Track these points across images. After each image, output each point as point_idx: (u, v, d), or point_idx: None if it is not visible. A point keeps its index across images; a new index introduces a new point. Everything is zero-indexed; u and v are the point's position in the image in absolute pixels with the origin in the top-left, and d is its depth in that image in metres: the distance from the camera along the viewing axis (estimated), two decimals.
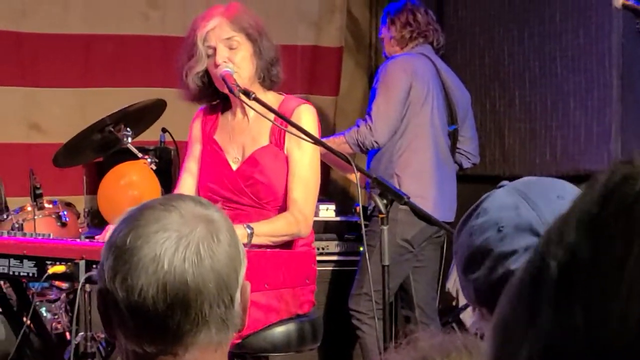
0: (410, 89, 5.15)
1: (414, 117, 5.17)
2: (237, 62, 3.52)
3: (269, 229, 3.39)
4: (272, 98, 3.60)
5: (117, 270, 1.66)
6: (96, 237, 3.45)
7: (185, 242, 1.65)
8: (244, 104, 3.52)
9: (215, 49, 3.51)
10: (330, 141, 5.08)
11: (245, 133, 3.60)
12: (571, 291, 0.74)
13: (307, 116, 3.54)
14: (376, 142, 5.10)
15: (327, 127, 6.29)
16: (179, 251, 1.64)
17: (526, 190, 1.61)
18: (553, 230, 0.80)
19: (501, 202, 1.62)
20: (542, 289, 0.76)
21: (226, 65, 3.49)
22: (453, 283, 5.95)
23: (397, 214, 4.89)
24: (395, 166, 5.15)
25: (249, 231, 3.30)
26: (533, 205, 1.58)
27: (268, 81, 3.60)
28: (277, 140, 3.54)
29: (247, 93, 3.43)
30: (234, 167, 3.58)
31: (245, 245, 3.23)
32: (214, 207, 1.74)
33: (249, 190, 3.53)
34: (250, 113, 3.55)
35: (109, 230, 3.39)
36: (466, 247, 1.61)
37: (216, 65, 3.50)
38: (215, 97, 3.67)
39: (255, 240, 3.33)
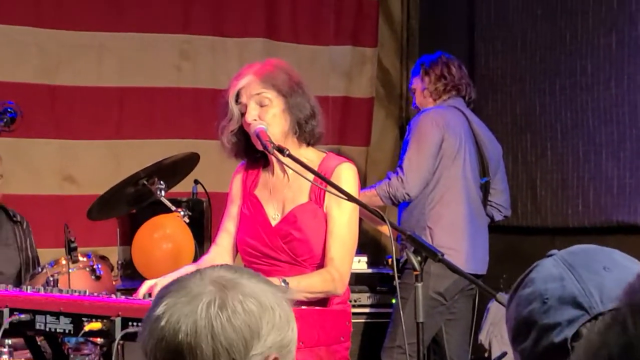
0: (442, 142, 5.16)
1: (446, 170, 5.18)
2: (268, 120, 3.51)
3: (305, 285, 3.38)
4: (312, 155, 3.60)
5: (144, 329, 1.77)
6: (133, 295, 3.45)
7: (187, 301, 1.70)
8: (283, 162, 3.53)
9: (246, 107, 3.53)
10: (361, 194, 5.09)
11: (285, 189, 3.59)
12: None
13: (347, 175, 3.54)
14: (407, 195, 5.10)
15: (359, 177, 6.29)
16: (178, 308, 1.69)
17: (572, 261, 1.61)
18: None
19: (547, 272, 1.61)
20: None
21: (259, 123, 3.50)
22: (485, 335, 5.92)
23: (430, 267, 4.87)
24: (428, 219, 5.15)
25: (284, 285, 3.29)
26: (578, 277, 1.57)
27: (305, 136, 3.59)
28: (317, 197, 3.53)
29: (281, 150, 3.43)
30: (273, 223, 3.58)
31: None
32: (249, 275, 1.76)
33: (286, 247, 3.52)
34: (289, 169, 3.54)
35: (145, 284, 3.41)
36: (514, 317, 1.61)
37: (247, 124, 3.52)
38: (255, 153, 3.66)
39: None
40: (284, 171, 3.59)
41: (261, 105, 3.53)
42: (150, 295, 3.31)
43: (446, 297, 5.14)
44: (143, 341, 1.73)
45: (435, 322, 5.18)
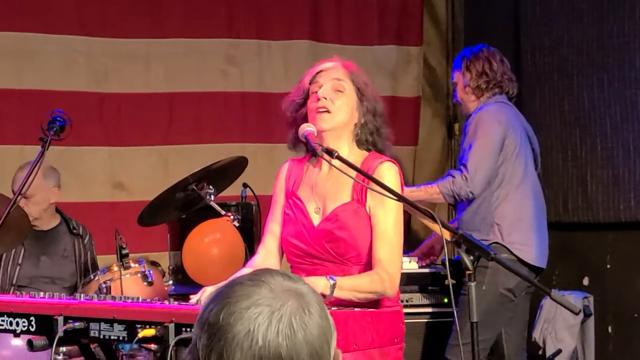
0: (504, 139, 5.10)
1: (510, 166, 5.12)
2: (337, 104, 3.53)
3: (353, 284, 3.37)
4: (356, 154, 3.60)
5: (212, 347, 1.67)
6: (191, 296, 3.47)
7: (277, 316, 1.66)
8: (329, 163, 3.53)
9: (321, 86, 3.54)
10: (423, 190, 5.08)
11: (328, 189, 3.59)
12: None
13: (389, 173, 3.52)
14: (472, 193, 5.05)
15: (407, 177, 6.29)
16: (272, 325, 1.65)
17: None
18: None
19: None
20: None
21: (308, 126, 3.50)
22: (539, 333, 5.88)
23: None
24: (495, 216, 5.10)
25: (331, 282, 3.29)
26: None
27: (367, 144, 3.60)
28: (359, 196, 3.53)
29: (329, 152, 3.43)
30: (316, 222, 3.58)
31: (326, 297, 3.25)
32: (302, 281, 1.75)
33: (329, 245, 3.52)
34: (334, 168, 3.55)
35: (205, 291, 3.42)
36: None
37: (317, 99, 3.51)
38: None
39: (338, 294, 3.31)
40: (330, 169, 3.59)
41: (336, 90, 3.53)
42: None
43: (515, 294, 5.09)
44: (223, 356, 1.66)
45: (502, 319, 5.14)
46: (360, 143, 3.61)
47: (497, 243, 5.05)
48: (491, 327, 5.04)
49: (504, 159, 5.12)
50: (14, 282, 5.40)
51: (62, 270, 5.54)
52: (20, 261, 5.44)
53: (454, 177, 5.08)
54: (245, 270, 3.45)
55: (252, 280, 1.72)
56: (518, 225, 5.10)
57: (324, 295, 3.26)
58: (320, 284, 3.28)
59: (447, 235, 3.36)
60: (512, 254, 5.03)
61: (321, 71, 3.57)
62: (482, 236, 5.04)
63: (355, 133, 3.59)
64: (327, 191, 3.59)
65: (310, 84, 3.59)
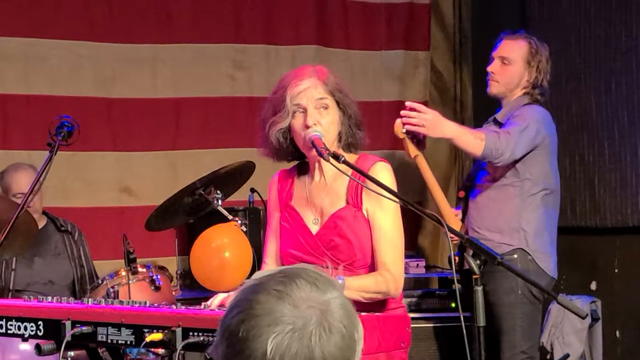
0: (542, 141, 4.98)
1: (545, 172, 5.03)
2: (325, 126, 3.50)
3: (361, 284, 3.38)
4: (346, 157, 3.60)
5: (229, 357, 1.67)
6: (203, 303, 3.47)
7: (297, 337, 1.64)
8: (322, 168, 3.53)
9: (305, 109, 3.50)
10: (467, 132, 4.90)
11: (322, 196, 3.59)
12: None
13: (384, 173, 3.51)
14: (513, 158, 4.86)
15: (414, 183, 6.27)
16: (291, 347, 1.63)
17: None
18: None
19: None
20: None
21: (314, 130, 3.49)
22: (547, 337, 5.87)
23: (529, 265, 4.90)
24: (522, 221, 5.00)
25: (340, 281, 3.29)
26: None
27: (350, 146, 3.59)
28: (354, 200, 3.52)
29: (336, 156, 3.42)
30: (314, 231, 3.58)
31: None
32: (332, 287, 1.73)
33: (330, 253, 3.51)
34: (328, 175, 3.55)
35: (217, 298, 3.42)
36: None
37: (306, 127, 3.49)
38: (292, 158, 3.66)
39: (346, 294, 3.31)
40: (323, 177, 3.59)
41: (320, 108, 3.52)
42: (223, 306, 3.32)
43: (540, 299, 5.05)
44: None
45: (539, 322, 5.13)
46: (344, 148, 3.60)
47: (522, 249, 4.98)
48: (535, 330, 5.05)
49: (541, 160, 5.02)
50: (10, 287, 5.38)
51: (57, 269, 5.52)
52: (14, 266, 5.42)
53: (499, 134, 4.85)
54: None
55: (278, 292, 1.68)
56: (542, 234, 5.01)
57: None
58: None
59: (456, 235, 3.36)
60: (535, 262, 4.98)
61: (301, 92, 3.53)
62: (505, 239, 4.98)
63: (338, 140, 3.58)
64: (322, 200, 3.58)
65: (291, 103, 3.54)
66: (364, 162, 3.55)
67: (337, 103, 3.54)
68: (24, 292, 5.21)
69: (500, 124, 5.05)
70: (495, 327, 4.92)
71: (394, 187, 3.50)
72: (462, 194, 5.15)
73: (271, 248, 3.72)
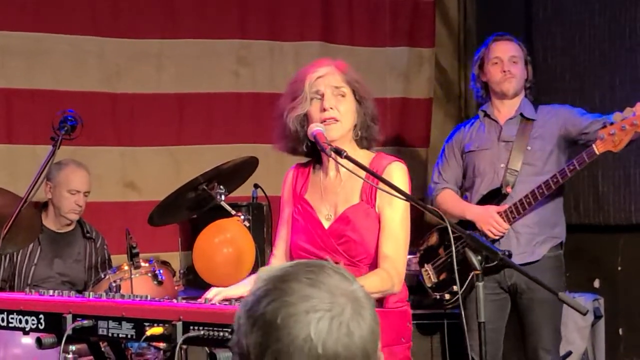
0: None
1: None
2: (342, 112, 3.53)
3: (364, 284, 3.37)
4: (363, 155, 3.59)
5: (267, 345, 1.65)
6: (203, 297, 3.47)
7: (336, 323, 1.65)
8: (337, 162, 3.53)
9: (323, 95, 3.52)
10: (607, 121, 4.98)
11: (337, 191, 3.60)
12: None
13: (397, 173, 3.53)
14: None
15: (419, 179, 6.28)
16: (331, 332, 1.64)
17: None
18: None
19: None
20: None
21: (317, 125, 3.50)
22: None
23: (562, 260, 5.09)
24: (561, 213, 5.20)
25: None
26: None
27: (364, 140, 3.61)
28: (368, 197, 3.53)
29: (338, 151, 3.43)
30: (326, 225, 3.58)
31: None
32: (355, 281, 1.75)
33: (341, 248, 3.52)
34: (343, 171, 3.54)
35: (211, 291, 3.43)
36: None
37: (323, 109, 3.50)
38: (307, 150, 3.66)
39: None
40: (338, 172, 3.59)
41: (337, 96, 3.53)
42: (226, 301, 3.34)
43: None
44: (279, 359, 1.65)
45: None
46: (359, 142, 3.61)
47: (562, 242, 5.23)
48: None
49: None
50: (29, 281, 5.42)
51: (74, 274, 5.56)
52: (35, 261, 5.47)
53: None
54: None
55: (310, 279, 1.69)
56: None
57: None
58: None
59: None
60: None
61: (319, 77, 3.56)
62: (557, 232, 5.18)
63: (355, 133, 3.59)
64: (337, 196, 3.59)
65: (310, 89, 3.56)
66: (380, 161, 3.57)
67: (354, 94, 3.56)
68: (38, 288, 5.26)
69: (531, 120, 5.19)
70: (530, 324, 5.09)
71: (407, 186, 3.52)
72: (509, 189, 5.14)
73: (281, 240, 3.73)
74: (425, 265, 5.31)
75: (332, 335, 1.64)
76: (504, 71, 5.19)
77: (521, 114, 5.21)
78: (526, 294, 5.04)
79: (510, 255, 4.92)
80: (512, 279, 5.05)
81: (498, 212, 5.07)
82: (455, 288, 5.10)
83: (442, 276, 5.26)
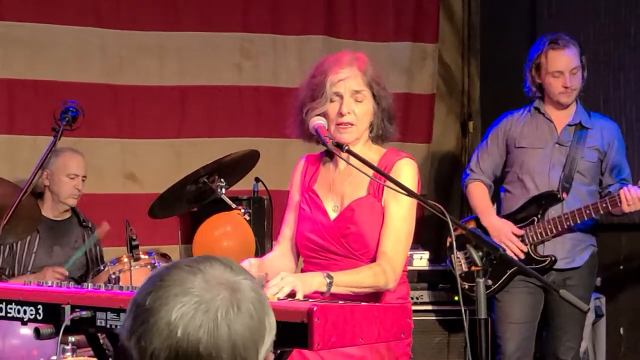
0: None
1: None
2: (359, 116, 3.55)
3: (351, 280, 3.36)
4: (375, 150, 3.63)
5: (133, 329, 1.62)
6: None
7: (204, 309, 1.61)
8: (338, 156, 3.53)
9: (342, 97, 3.54)
10: None
11: (345, 184, 3.61)
12: None
13: (406, 169, 3.55)
14: None
15: (421, 174, 6.25)
16: (195, 317, 1.60)
17: None
18: None
19: None
20: None
21: (319, 118, 3.50)
22: None
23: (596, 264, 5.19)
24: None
25: (328, 280, 3.28)
26: None
27: (378, 138, 3.63)
28: (375, 191, 3.54)
29: (339, 145, 3.43)
30: (332, 217, 3.59)
31: (323, 294, 3.24)
32: (245, 275, 1.69)
33: (344, 240, 3.52)
34: (351, 164, 3.55)
35: None
36: None
37: (340, 114, 3.52)
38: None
39: (335, 290, 3.31)
40: (347, 165, 3.59)
41: (356, 101, 3.54)
42: None
43: None
44: (141, 341, 1.61)
45: None
46: (373, 139, 3.63)
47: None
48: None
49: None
50: (29, 269, 5.42)
51: (74, 262, 5.56)
52: (35, 249, 5.47)
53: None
54: (254, 260, 3.49)
55: (190, 267, 1.66)
56: None
57: (321, 293, 3.27)
58: (316, 281, 3.28)
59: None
60: None
61: (340, 80, 3.56)
62: (594, 240, 5.29)
63: (369, 132, 3.61)
64: (344, 188, 3.61)
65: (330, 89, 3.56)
66: (391, 157, 3.60)
67: (373, 95, 3.57)
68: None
69: (586, 128, 5.16)
70: (559, 322, 5.17)
71: (415, 183, 3.54)
72: (565, 195, 5.12)
73: (287, 229, 3.75)
74: (458, 252, 5.26)
75: (195, 321, 1.60)
76: (566, 87, 5.11)
77: (580, 122, 5.18)
78: None
79: (555, 261, 4.98)
80: (551, 277, 5.07)
81: (513, 233, 5.09)
82: (489, 282, 5.10)
83: (473, 267, 5.24)
